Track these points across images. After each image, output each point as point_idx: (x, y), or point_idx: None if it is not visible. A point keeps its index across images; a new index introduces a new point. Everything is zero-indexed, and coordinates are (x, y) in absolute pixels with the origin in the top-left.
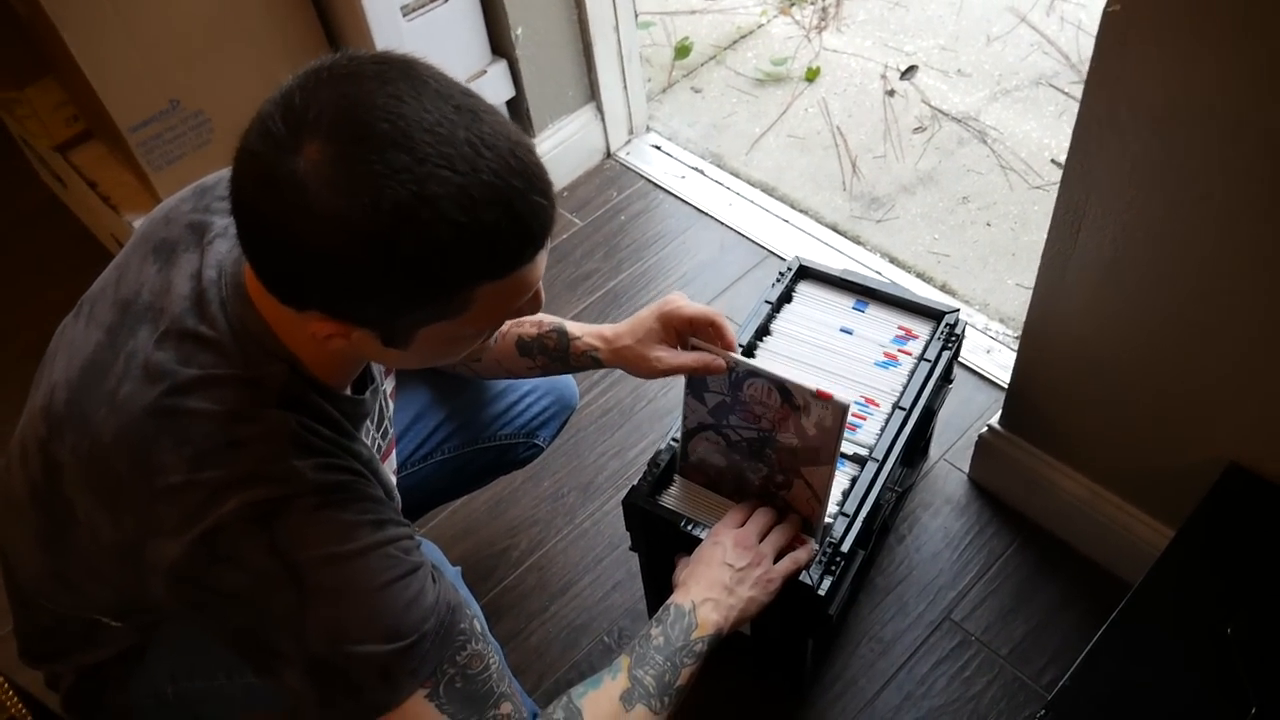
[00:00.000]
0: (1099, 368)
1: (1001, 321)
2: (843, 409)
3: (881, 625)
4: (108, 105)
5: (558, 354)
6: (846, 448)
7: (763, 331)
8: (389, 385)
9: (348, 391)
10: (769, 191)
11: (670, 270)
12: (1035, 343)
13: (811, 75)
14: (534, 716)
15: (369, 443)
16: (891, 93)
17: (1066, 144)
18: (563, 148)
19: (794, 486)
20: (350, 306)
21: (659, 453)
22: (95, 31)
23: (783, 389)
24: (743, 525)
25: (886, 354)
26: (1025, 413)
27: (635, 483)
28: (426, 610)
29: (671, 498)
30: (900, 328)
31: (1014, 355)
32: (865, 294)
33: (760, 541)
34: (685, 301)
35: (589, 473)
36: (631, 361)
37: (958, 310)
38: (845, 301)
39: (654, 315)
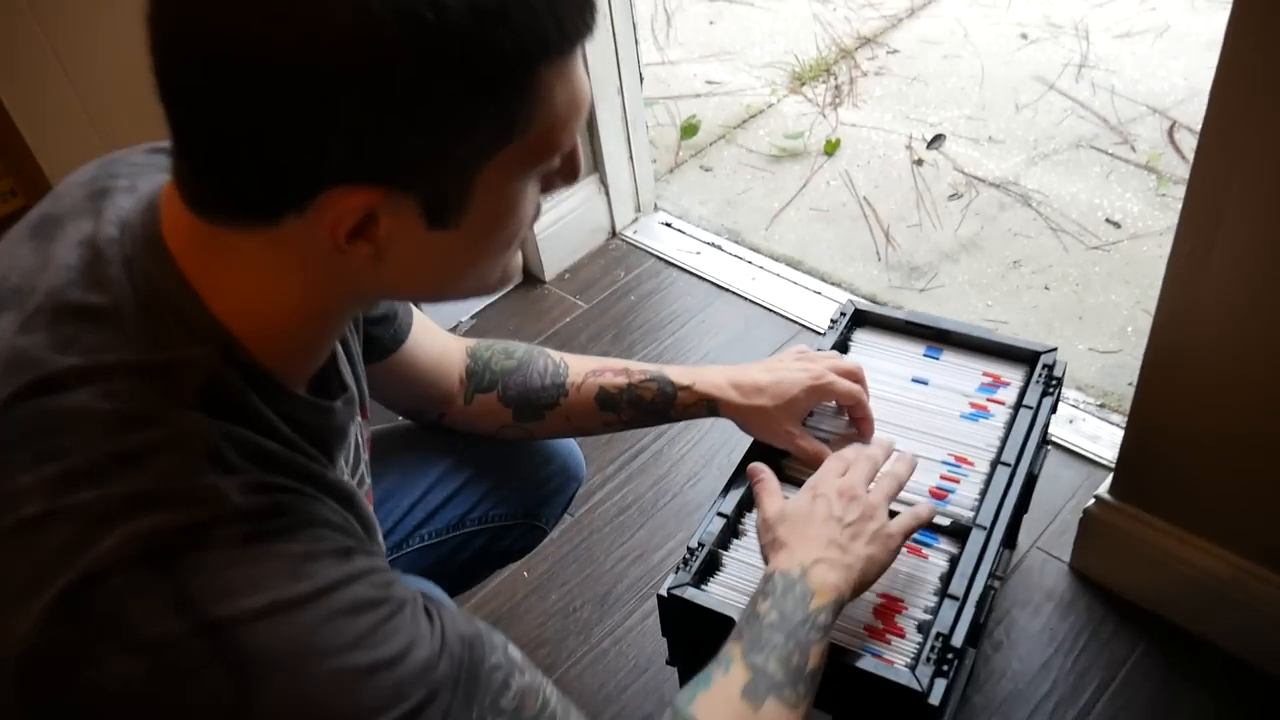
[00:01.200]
0: (1246, 404)
1: (1079, 389)
2: None
3: None
4: (49, 174)
5: (656, 407)
6: (939, 520)
7: None
8: (365, 433)
9: (303, 392)
10: (795, 265)
11: (690, 350)
12: (1159, 382)
13: (831, 148)
14: None
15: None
16: (920, 162)
17: (1120, 204)
18: (563, 224)
19: None
20: (384, 147)
21: (714, 514)
22: (36, 92)
23: None
24: (844, 474)
25: (974, 405)
26: (1145, 474)
27: (674, 573)
28: (432, 654)
29: (723, 587)
30: (986, 374)
31: (1100, 424)
32: (937, 338)
33: (868, 491)
34: (836, 378)
35: (606, 582)
36: (760, 426)
37: (1055, 349)
38: (914, 349)
39: (806, 386)
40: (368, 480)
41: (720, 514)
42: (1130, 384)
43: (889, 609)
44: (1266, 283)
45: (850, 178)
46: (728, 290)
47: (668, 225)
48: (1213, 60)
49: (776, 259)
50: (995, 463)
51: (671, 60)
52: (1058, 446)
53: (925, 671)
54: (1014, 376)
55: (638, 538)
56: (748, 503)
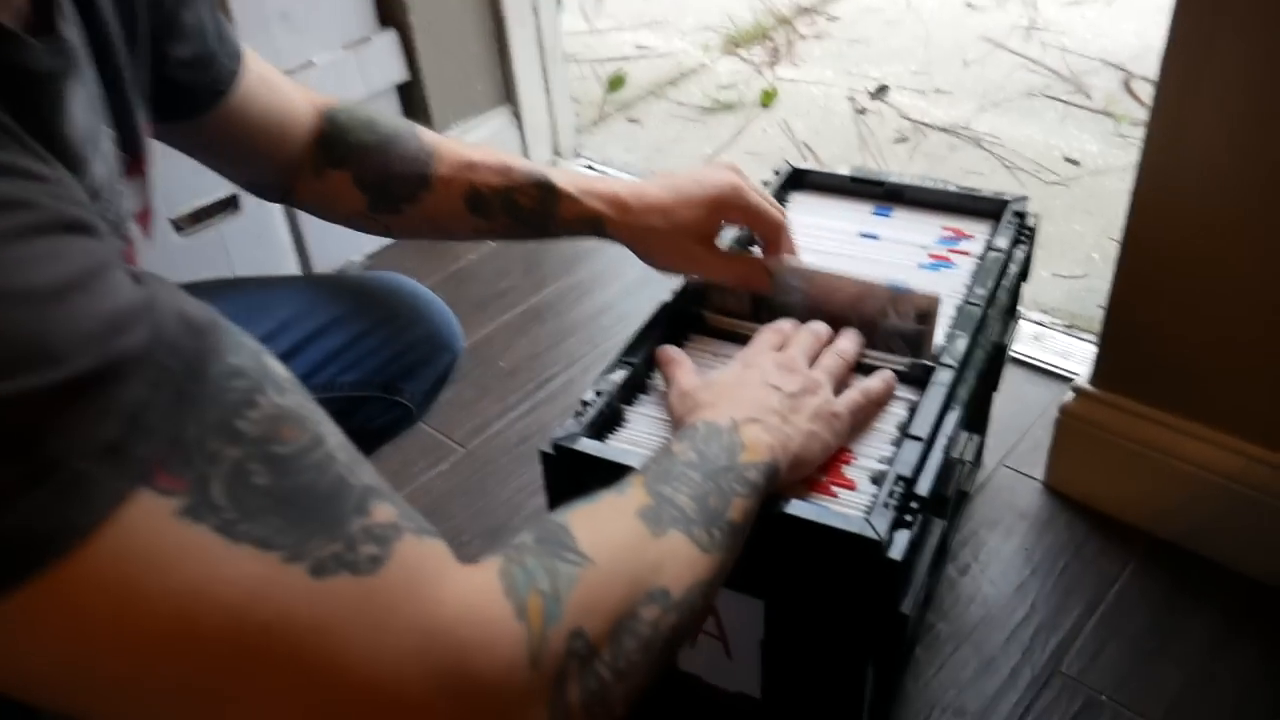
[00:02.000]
0: (1243, 252)
1: (1045, 312)
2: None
3: (959, 689)
4: None
5: (534, 218)
6: (896, 366)
7: (745, 242)
8: (143, 195)
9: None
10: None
11: (609, 280)
12: (1146, 234)
13: (767, 99)
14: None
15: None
16: (863, 111)
17: (1078, 144)
18: None
19: None
20: None
21: (618, 360)
22: None
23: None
24: (782, 347)
25: (934, 255)
26: (1133, 352)
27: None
28: (126, 311)
29: (625, 443)
30: (946, 228)
31: (1070, 340)
32: (888, 197)
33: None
34: (749, 188)
35: (500, 514)
36: (653, 248)
37: (1026, 197)
38: (862, 208)
39: (708, 199)
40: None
41: (626, 361)
42: (1099, 306)
43: (834, 459)
44: (1259, 105)
45: (789, 125)
46: None
47: (589, 168)
48: (1164, 22)
49: None
50: (961, 308)
51: (600, 29)
52: (1024, 365)
53: (882, 518)
54: (979, 230)
55: (540, 468)
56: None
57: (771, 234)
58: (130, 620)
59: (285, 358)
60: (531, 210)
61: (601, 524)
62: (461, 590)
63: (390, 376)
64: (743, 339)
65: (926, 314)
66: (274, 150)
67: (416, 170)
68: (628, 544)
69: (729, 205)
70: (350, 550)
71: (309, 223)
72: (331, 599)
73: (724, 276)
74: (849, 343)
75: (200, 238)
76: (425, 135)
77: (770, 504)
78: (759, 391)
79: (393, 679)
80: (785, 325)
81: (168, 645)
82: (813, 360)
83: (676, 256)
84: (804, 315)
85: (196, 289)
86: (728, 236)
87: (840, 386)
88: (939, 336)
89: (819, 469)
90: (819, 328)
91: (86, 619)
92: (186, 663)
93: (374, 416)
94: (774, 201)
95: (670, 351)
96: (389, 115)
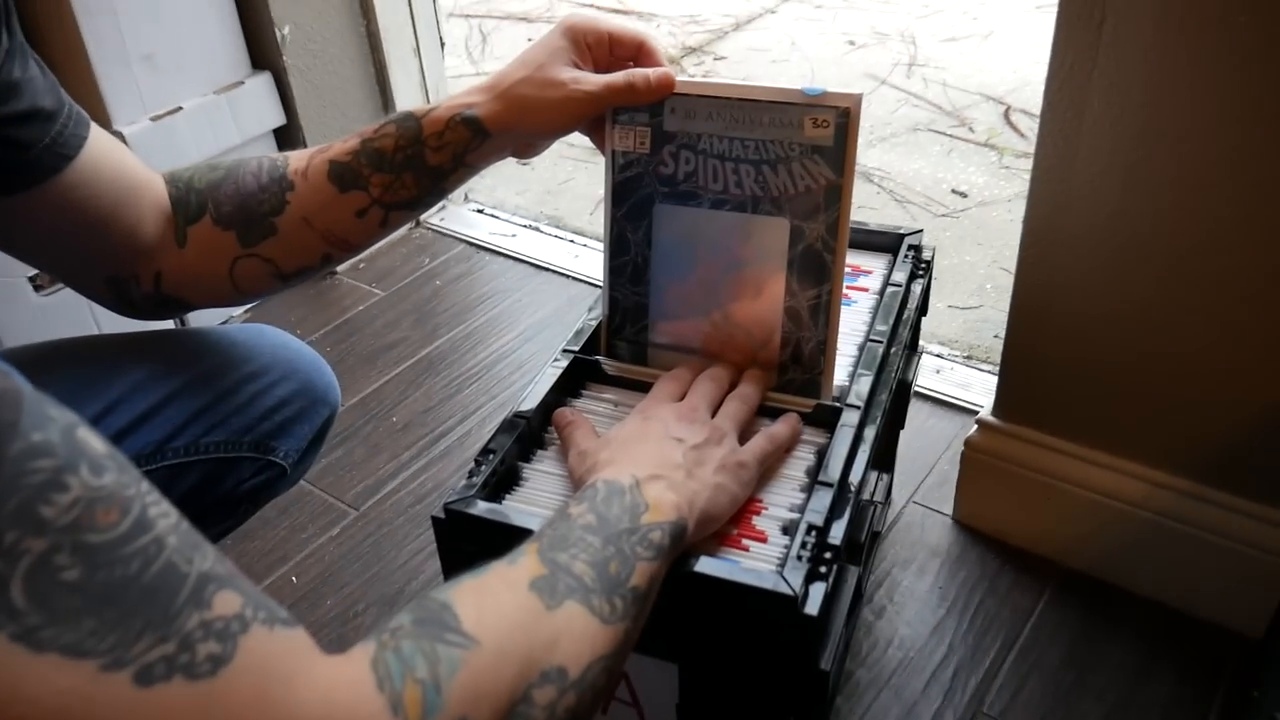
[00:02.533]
0: (1135, 281)
1: (944, 344)
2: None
3: None
4: None
5: (406, 155)
6: (800, 408)
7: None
8: None
9: None
10: None
11: (505, 328)
12: (1039, 266)
13: None
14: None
15: None
16: None
17: (964, 176)
18: None
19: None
20: None
21: (512, 417)
22: None
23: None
24: (682, 398)
25: None
26: (1033, 383)
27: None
28: None
29: (522, 503)
30: None
31: (970, 372)
32: None
33: (713, 417)
34: (600, 14)
35: (396, 580)
36: (533, 99)
37: (920, 231)
38: None
39: (559, 30)
40: None
41: (519, 415)
42: (996, 336)
43: (743, 510)
44: (1137, 149)
45: None
46: (548, 269)
47: (480, 212)
48: (1039, 57)
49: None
50: (862, 348)
51: (486, 72)
52: (926, 398)
53: (796, 571)
54: (876, 265)
55: None
56: (557, 405)
57: (637, 49)
58: None
59: (142, 420)
60: (397, 148)
61: (489, 600)
62: (325, 688)
63: (261, 435)
64: (642, 387)
65: (848, 116)
66: (132, 228)
67: (270, 175)
68: (518, 621)
69: (582, 29)
70: (184, 651)
71: None
72: (162, 711)
73: (619, 85)
74: (751, 388)
75: (61, 297)
76: (273, 153)
77: (679, 562)
78: (661, 446)
79: None
80: (684, 373)
81: None
82: (715, 408)
83: (554, 92)
84: (706, 145)
85: (33, 352)
86: None
87: (745, 434)
88: (840, 376)
89: (728, 521)
90: (719, 373)
91: None
92: None
93: (245, 478)
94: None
95: (567, 414)
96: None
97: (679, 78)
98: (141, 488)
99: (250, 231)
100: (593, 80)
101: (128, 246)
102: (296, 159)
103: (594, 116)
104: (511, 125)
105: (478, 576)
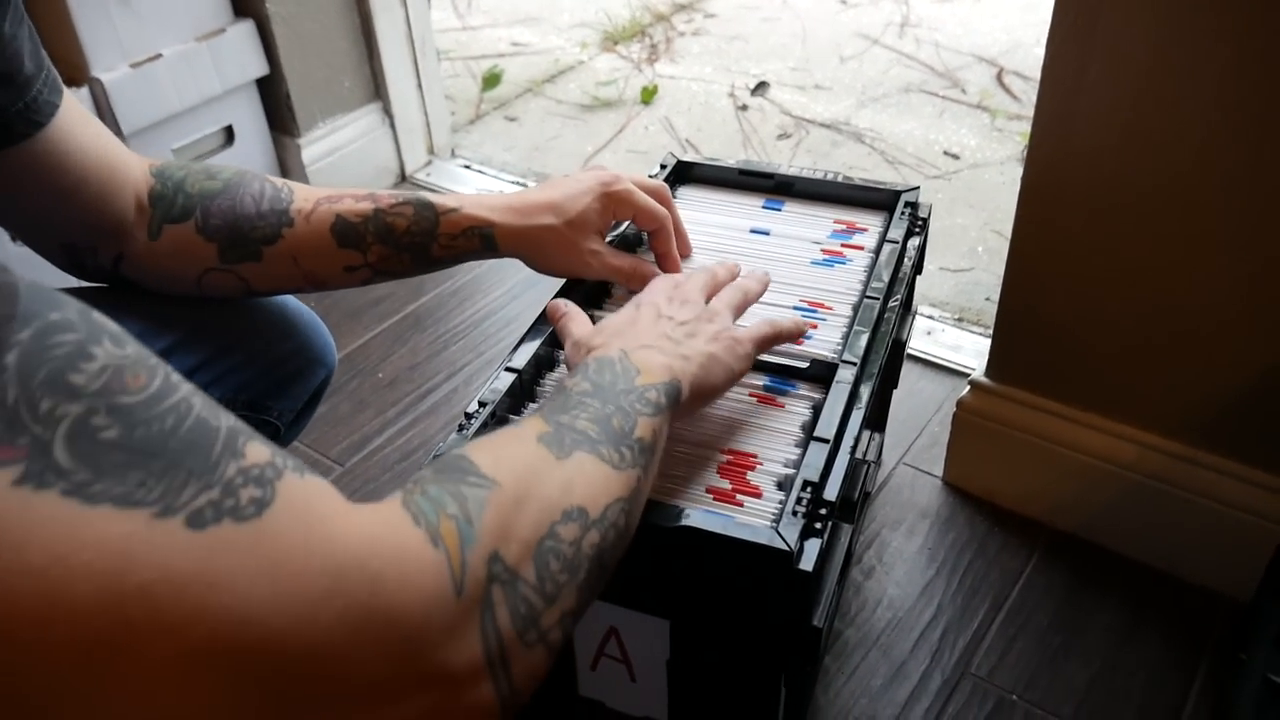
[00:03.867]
0: (1133, 235)
1: (935, 306)
2: None
3: (870, 698)
4: None
5: (414, 240)
6: (796, 362)
7: (633, 243)
8: None
9: None
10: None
11: (492, 284)
12: (1036, 224)
13: (648, 96)
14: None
15: None
16: (744, 107)
17: (956, 138)
18: (340, 157)
19: None
20: None
21: (503, 370)
22: None
23: None
24: (677, 286)
25: (827, 251)
26: (1026, 344)
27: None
28: None
29: None
30: (839, 221)
31: (961, 334)
32: (778, 190)
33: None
34: (632, 184)
35: None
36: (554, 251)
37: (917, 187)
38: (752, 202)
39: (596, 194)
40: None
41: (510, 369)
42: (987, 299)
43: (738, 465)
44: (1139, 105)
45: (670, 122)
46: None
47: (467, 168)
48: (1032, 20)
49: None
50: (858, 307)
51: (473, 26)
52: (917, 360)
53: (791, 527)
54: (872, 222)
55: None
56: (548, 361)
57: (659, 242)
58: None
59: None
60: (407, 231)
61: (503, 450)
62: (364, 524)
63: (257, 394)
64: None
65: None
66: (100, 204)
67: (272, 206)
68: (532, 466)
69: (617, 198)
70: (229, 496)
71: None
72: (217, 550)
73: (621, 273)
74: (753, 281)
75: None
76: (274, 178)
77: (673, 516)
78: (651, 324)
79: (304, 627)
80: (680, 274)
81: (37, 632)
82: (708, 294)
83: (572, 254)
84: None
85: None
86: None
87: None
88: (835, 336)
89: (725, 477)
90: (716, 268)
91: None
92: (62, 648)
93: None
94: (663, 193)
95: (560, 306)
96: (224, 164)
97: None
98: (158, 360)
99: (234, 250)
100: (607, 263)
101: (91, 221)
102: (302, 198)
103: None
104: (520, 255)
105: (487, 436)
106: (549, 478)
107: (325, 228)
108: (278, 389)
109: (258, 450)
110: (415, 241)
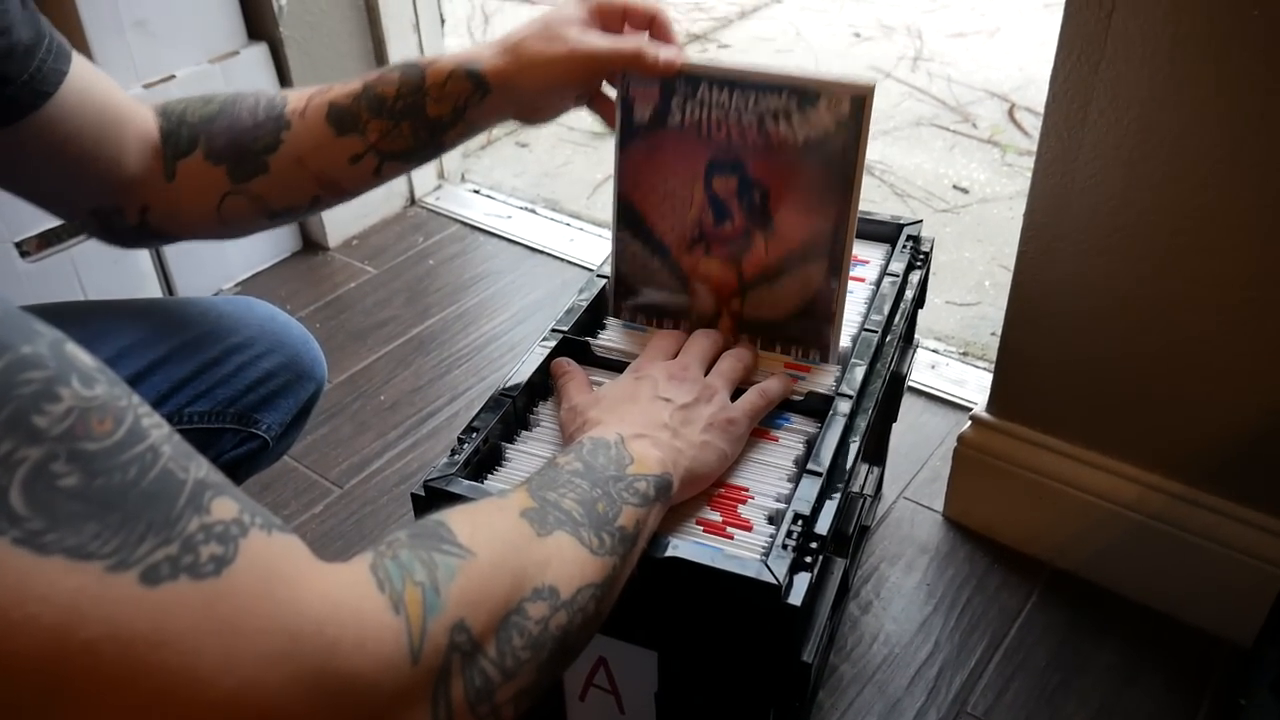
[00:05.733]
0: (1134, 277)
1: (940, 340)
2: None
3: None
4: None
5: (407, 104)
6: (792, 395)
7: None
8: None
9: None
10: None
11: (497, 309)
12: (1037, 261)
13: None
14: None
15: None
16: None
17: (966, 172)
18: None
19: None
20: None
21: (498, 395)
22: None
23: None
24: (674, 357)
25: None
26: (1028, 381)
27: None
28: None
29: (505, 484)
30: None
31: (965, 369)
32: None
33: (705, 375)
34: None
35: None
36: (537, 57)
37: (920, 221)
38: None
39: (580, 3)
40: None
41: (505, 394)
42: (993, 334)
43: (729, 498)
44: (1142, 143)
45: None
46: (542, 252)
47: (476, 192)
48: (1046, 56)
49: (600, 225)
50: (856, 339)
51: None
52: (920, 394)
53: (780, 560)
54: (873, 254)
55: None
56: (543, 390)
57: (649, 22)
58: None
59: (130, 383)
60: (399, 96)
61: (482, 520)
62: (326, 587)
63: (245, 407)
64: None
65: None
66: (117, 162)
67: (267, 113)
68: (511, 540)
69: (603, 3)
70: (187, 552)
71: (173, 246)
72: (170, 608)
73: (625, 52)
74: (746, 349)
75: (48, 264)
76: (270, 89)
77: (662, 548)
78: (649, 406)
79: (254, 689)
80: (679, 332)
81: None
82: (709, 365)
83: (559, 49)
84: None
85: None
86: None
87: (737, 392)
88: (830, 376)
89: (712, 507)
90: (714, 332)
91: None
92: (16, 693)
93: (227, 449)
94: None
95: (564, 364)
96: (217, 91)
97: (689, 59)
98: (133, 400)
99: (241, 167)
100: (600, 40)
101: (112, 180)
102: (295, 98)
103: (597, 82)
104: (513, 80)
105: (470, 505)
106: (526, 554)
107: (321, 119)
108: (266, 403)
109: (224, 506)
110: (409, 104)
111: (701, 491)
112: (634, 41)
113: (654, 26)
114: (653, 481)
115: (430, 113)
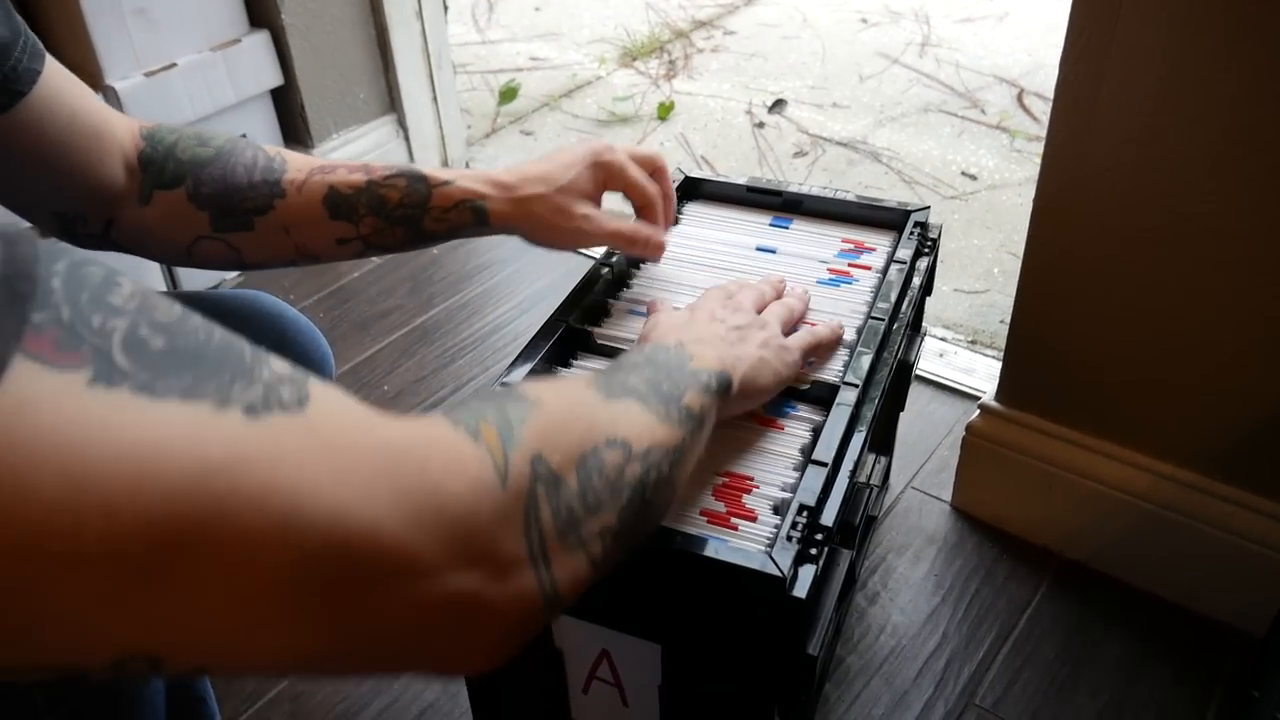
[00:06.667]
0: (1148, 260)
1: (948, 328)
2: None
3: None
4: None
5: (405, 213)
6: (800, 381)
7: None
8: None
9: None
10: (627, 215)
11: (501, 299)
12: (1048, 244)
13: (664, 112)
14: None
15: None
16: (761, 125)
17: (974, 159)
18: None
19: None
20: None
21: (502, 382)
22: None
23: None
24: (729, 297)
25: (833, 270)
26: (1038, 369)
27: None
28: None
29: None
30: (846, 240)
31: (974, 357)
32: (786, 207)
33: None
34: (625, 155)
35: None
36: (543, 219)
37: (928, 207)
38: (759, 219)
39: (587, 161)
40: None
41: (506, 384)
42: (1002, 321)
43: (734, 488)
44: (1153, 125)
45: (686, 139)
46: None
47: None
48: (1055, 40)
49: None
50: (862, 329)
51: (492, 40)
52: (929, 382)
53: (785, 552)
54: (880, 241)
55: None
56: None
57: (642, 207)
58: (90, 496)
59: None
60: (400, 204)
61: (547, 385)
62: (402, 423)
63: None
64: None
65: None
66: (87, 171)
67: (264, 176)
68: (579, 398)
69: (608, 168)
70: (272, 392)
71: None
72: (277, 433)
73: (620, 236)
74: (797, 300)
75: None
76: (269, 146)
77: (664, 537)
78: (705, 324)
79: (363, 505)
80: (730, 285)
81: (133, 511)
82: (758, 307)
83: (563, 221)
84: None
85: None
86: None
87: (787, 334)
88: (836, 363)
89: (720, 499)
90: (762, 285)
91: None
92: (155, 527)
93: None
94: (655, 161)
95: (654, 304)
96: (215, 130)
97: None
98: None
99: (226, 219)
100: (601, 225)
101: (81, 187)
102: (295, 168)
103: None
104: (515, 225)
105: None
106: (595, 409)
107: (318, 199)
108: None
109: (279, 363)
110: (408, 214)
111: (705, 475)
112: (630, 232)
113: (644, 211)
114: (713, 375)
115: (427, 228)
